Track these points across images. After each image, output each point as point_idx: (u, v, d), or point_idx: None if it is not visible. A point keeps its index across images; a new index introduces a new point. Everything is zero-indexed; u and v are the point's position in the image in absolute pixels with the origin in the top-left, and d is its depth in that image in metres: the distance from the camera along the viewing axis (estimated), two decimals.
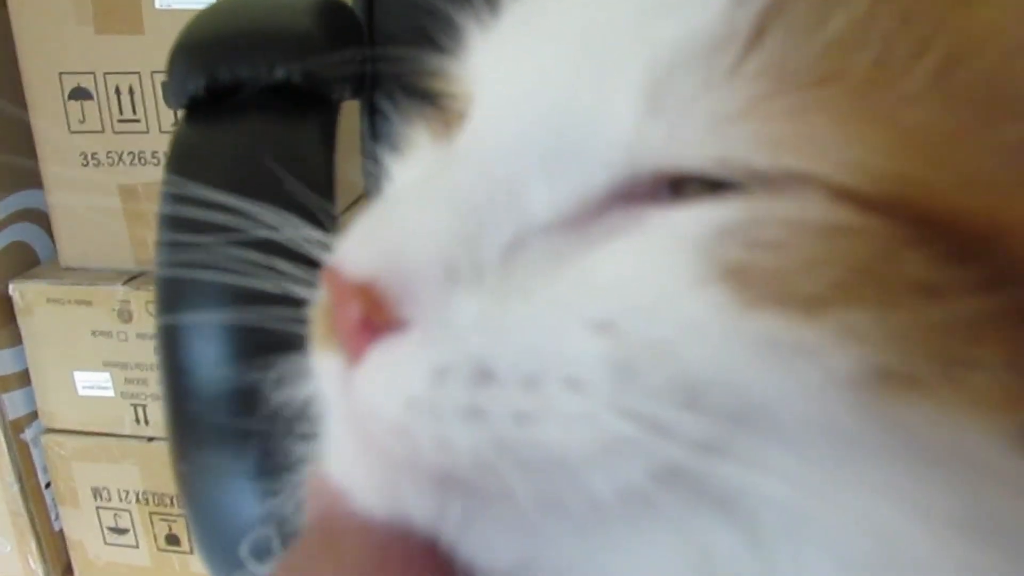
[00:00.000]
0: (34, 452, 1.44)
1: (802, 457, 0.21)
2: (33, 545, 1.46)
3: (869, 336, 0.20)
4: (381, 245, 0.25)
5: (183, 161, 0.53)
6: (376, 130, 0.37)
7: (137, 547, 1.46)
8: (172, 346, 0.52)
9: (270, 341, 0.38)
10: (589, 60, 0.25)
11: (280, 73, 0.45)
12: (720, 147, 0.23)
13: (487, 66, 0.29)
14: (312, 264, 0.37)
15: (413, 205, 0.26)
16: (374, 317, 0.24)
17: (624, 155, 0.25)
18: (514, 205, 0.25)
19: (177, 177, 0.52)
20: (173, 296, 0.51)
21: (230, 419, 0.47)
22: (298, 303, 0.34)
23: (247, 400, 0.41)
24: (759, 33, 0.23)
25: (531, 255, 0.25)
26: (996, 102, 0.22)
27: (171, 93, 0.53)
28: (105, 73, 1.31)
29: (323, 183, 0.43)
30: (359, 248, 0.26)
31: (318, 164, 0.36)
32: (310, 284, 0.37)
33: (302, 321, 0.34)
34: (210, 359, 0.50)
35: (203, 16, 0.58)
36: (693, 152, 0.24)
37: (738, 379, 0.21)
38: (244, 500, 0.51)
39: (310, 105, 0.47)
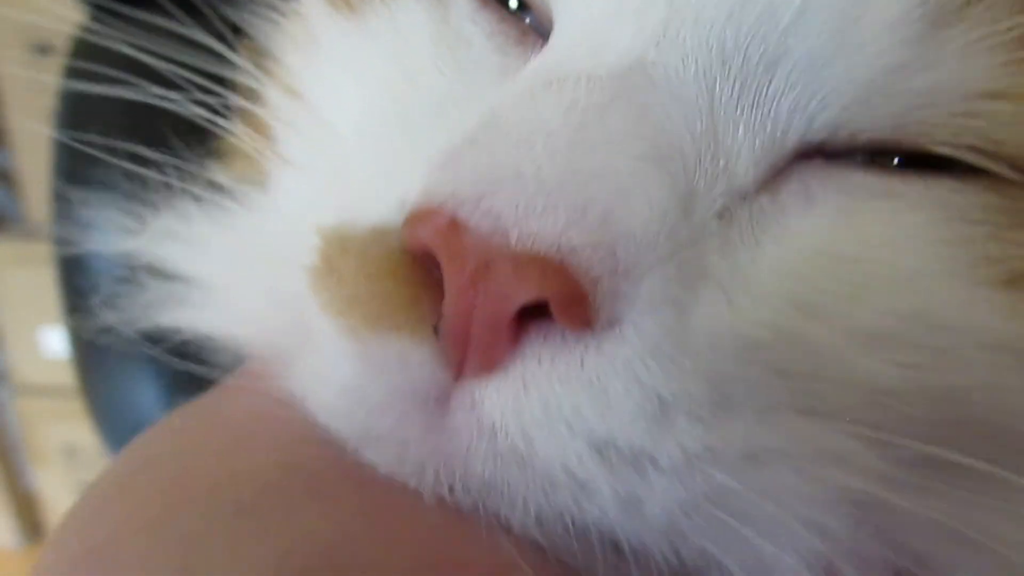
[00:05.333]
0: (4, 412, 1.44)
1: None
2: (4, 504, 1.46)
3: None
4: (572, 199, 0.16)
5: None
6: None
7: None
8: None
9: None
10: None
11: None
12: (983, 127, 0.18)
13: None
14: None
15: (583, 139, 0.17)
16: (566, 312, 0.17)
17: (856, 97, 0.18)
18: (720, 158, 0.18)
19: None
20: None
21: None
22: None
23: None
24: None
25: (737, 231, 0.18)
26: None
27: None
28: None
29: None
30: (515, 193, 0.17)
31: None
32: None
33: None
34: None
35: None
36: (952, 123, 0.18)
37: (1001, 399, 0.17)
38: (147, 391, 0.52)
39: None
